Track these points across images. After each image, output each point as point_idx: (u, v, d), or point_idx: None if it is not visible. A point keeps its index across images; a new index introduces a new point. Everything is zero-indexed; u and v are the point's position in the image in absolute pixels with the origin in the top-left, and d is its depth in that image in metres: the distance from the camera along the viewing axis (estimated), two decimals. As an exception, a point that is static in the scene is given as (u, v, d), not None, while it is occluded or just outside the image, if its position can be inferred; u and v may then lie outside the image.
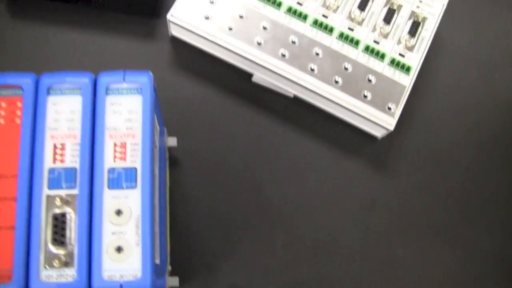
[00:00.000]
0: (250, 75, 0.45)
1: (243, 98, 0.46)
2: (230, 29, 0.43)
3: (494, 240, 0.45)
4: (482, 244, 0.45)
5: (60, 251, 0.28)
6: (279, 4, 0.44)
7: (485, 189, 0.46)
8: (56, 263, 0.28)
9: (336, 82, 0.43)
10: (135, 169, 0.29)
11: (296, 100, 0.46)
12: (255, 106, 0.46)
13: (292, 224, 0.44)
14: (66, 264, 0.28)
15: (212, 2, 0.44)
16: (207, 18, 0.43)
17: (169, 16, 0.43)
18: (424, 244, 0.45)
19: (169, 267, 0.40)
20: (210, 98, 0.46)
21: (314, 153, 0.45)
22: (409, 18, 0.45)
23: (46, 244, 0.28)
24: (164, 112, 0.38)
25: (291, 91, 0.45)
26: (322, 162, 0.45)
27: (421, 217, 0.45)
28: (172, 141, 0.43)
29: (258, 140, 0.45)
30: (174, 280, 0.40)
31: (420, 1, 0.46)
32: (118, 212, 0.29)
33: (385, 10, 0.45)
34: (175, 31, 0.45)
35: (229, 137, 0.45)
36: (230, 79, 0.46)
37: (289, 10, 0.44)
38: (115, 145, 0.30)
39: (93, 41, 0.46)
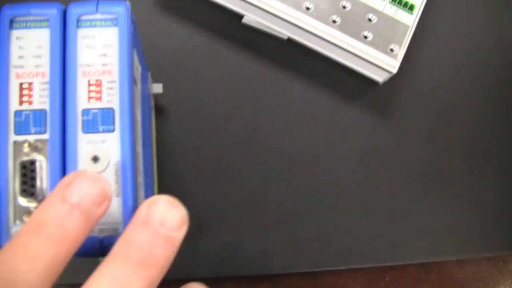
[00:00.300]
0: (240, 17, 0.42)
1: (233, 41, 0.43)
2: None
3: (503, 193, 0.43)
4: (488, 194, 0.43)
5: (31, 204, 0.25)
6: None
7: (493, 138, 0.44)
8: (26, 217, 0.25)
9: (334, 21, 0.40)
10: (113, 109, 0.26)
11: (290, 42, 0.42)
12: (246, 49, 0.43)
13: (288, 175, 0.41)
14: (38, 217, 0.25)
15: None
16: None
17: None
18: (428, 197, 0.42)
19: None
20: (198, 42, 0.42)
21: (310, 99, 0.42)
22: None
23: (14, 197, 0.25)
24: (148, 58, 0.35)
25: (285, 32, 0.42)
26: (319, 109, 0.42)
27: (425, 168, 0.43)
28: (157, 88, 0.39)
29: (250, 86, 0.42)
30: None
31: None
32: (95, 159, 0.26)
33: None
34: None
35: (219, 83, 0.42)
36: (219, 21, 0.43)
37: None
38: (89, 83, 0.26)
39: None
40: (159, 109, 0.41)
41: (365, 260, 0.41)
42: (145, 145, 0.32)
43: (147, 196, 0.31)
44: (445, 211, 0.42)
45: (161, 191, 0.39)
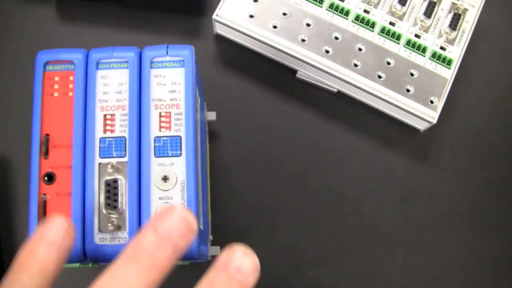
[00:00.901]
0: (294, 71, 0.46)
1: (287, 93, 0.47)
2: (275, 27, 0.44)
3: None
4: None
5: (113, 215, 0.30)
6: (321, 1, 0.45)
7: None
8: (109, 226, 0.29)
9: (380, 77, 0.44)
10: (180, 137, 0.31)
11: (340, 94, 0.46)
12: (300, 101, 0.47)
13: (336, 215, 0.45)
14: (119, 227, 0.30)
15: (256, 1, 0.44)
16: (251, 16, 0.44)
17: (214, 16, 0.44)
18: (463, 232, 0.45)
19: (210, 237, 0.42)
20: (255, 93, 0.46)
21: (357, 145, 0.46)
22: (450, 11, 0.46)
23: (100, 209, 0.30)
24: (209, 103, 0.38)
25: (335, 86, 0.46)
26: (365, 154, 0.46)
27: (460, 206, 0.46)
28: (211, 115, 0.44)
29: (302, 133, 0.46)
30: (216, 249, 0.41)
31: None
32: (165, 178, 0.30)
33: (426, 3, 0.45)
34: (220, 30, 0.46)
35: (273, 129, 0.46)
36: (274, 75, 0.47)
37: (331, 6, 0.45)
38: (160, 115, 0.31)
39: (139, 39, 0.47)
40: (213, 135, 0.46)
41: None
42: (202, 167, 0.37)
43: (204, 211, 0.36)
44: (480, 245, 0.45)
45: (214, 208, 0.43)
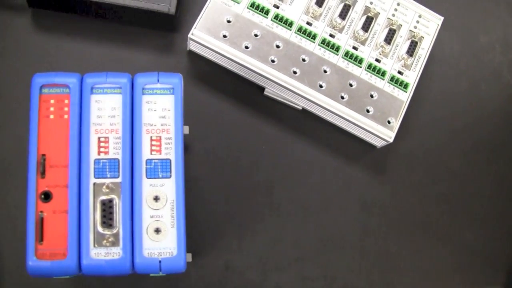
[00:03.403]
0: (262, 89, 0.49)
1: (255, 109, 0.49)
2: (247, 47, 0.46)
3: (478, 235, 0.50)
4: (468, 238, 0.50)
5: (108, 232, 0.32)
6: (291, 24, 0.48)
7: (470, 189, 0.51)
8: (104, 242, 0.32)
9: (342, 97, 0.47)
10: (170, 160, 0.34)
11: (304, 111, 0.49)
12: (267, 116, 0.49)
13: (300, 221, 0.48)
14: (113, 243, 0.32)
15: (229, 22, 0.47)
16: (225, 36, 0.46)
17: (190, 35, 0.46)
18: (416, 240, 0.49)
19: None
20: (225, 108, 0.49)
21: (319, 159, 0.49)
22: (408, 38, 0.49)
23: (95, 226, 0.32)
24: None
25: (300, 104, 0.49)
26: (326, 168, 0.49)
27: (413, 216, 0.50)
28: (185, 130, 0.46)
29: (268, 146, 0.49)
30: (188, 256, 0.44)
31: (417, 21, 0.50)
32: (156, 198, 0.33)
33: (386, 30, 0.49)
34: (193, 47, 0.48)
35: (241, 142, 0.48)
36: (243, 92, 0.49)
37: (300, 30, 0.48)
38: (151, 139, 0.34)
39: (111, 53, 0.48)
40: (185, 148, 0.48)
41: None
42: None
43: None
44: (429, 252, 0.49)
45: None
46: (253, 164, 0.48)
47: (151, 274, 0.34)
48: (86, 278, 0.42)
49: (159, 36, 0.49)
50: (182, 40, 0.49)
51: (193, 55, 0.49)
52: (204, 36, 0.46)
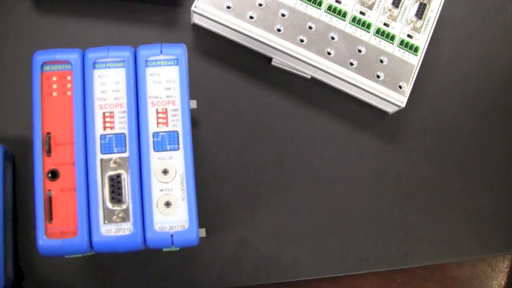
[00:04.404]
0: (269, 59, 0.48)
1: (263, 80, 0.48)
2: (251, 17, 0.45)
3: (495, 199, 0.49)
4: (484, 203, 0.49)
5: (117, 208, 0.31)
6: None
7: (485, 153, 0.50)
8: (114, 218, 0.31)
9: (351, 64, 0.46)
10: (177, 132, 0.33)
11: (313, 80, 0.48)
12: (275, 87, 0.48)
13: (314, 192, 0.47)
14: (123, 219, 0.31)
15: None
16: (228, 7, 0.45)
17: (193, 7, 0.45)
18: (431, 207, 0.48)
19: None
20: (232, 80, 0.48)
21: (330, 128, 0.48)
22: (416, 1, 0.48)
23: (104, 202, 0.31)
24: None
25: (309, 73, 0.48)
26: (338, 137, 0.48)
27: (428, 183, 0.49)
28: (192, 104, 0.45)
29: (278, 118, 0.48)
30: (201, 231, 0.44)
31: None
32: (165, 171, 0.32)
33: None
34: (197, 20, 0.47)
35: (250, 115, 0.48)
36: (250, 63, 0.48)
37: None
38: (157, 111, 0.33)
39: (116, 30, 0.47)
40: (193, 122, 0.47)
41: (380, 265, 0.47)
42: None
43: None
44: (445, 220, 0.49)
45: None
46: (263, 136, 0.47)
47: (164, 249, 0.34)
48: (100, 256, 0.42)
49: (162, 11, 0.48)
50: (186, 14, 0.48)
51: (198, 29, 0.48)
52: (207, 8, 0.45)
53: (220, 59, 0.48)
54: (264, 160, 0.47)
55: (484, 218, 0.49)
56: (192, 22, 0.48)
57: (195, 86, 0.46)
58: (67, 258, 0.34)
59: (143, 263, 0.43)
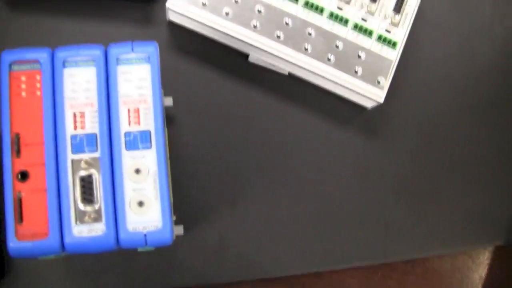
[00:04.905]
0: (246, 56, 0.48)
1: (240, 77, 0.48)
2: (227, 14, 0.45)
3: (474, 192, 0.50)
4: (464, 196, 0.50)
5: (89, 209, 0.31)
6: None
7: (464, 147, 0.50)
8: (86, 219, 0.31)
9: (329, 59, 0.46)
10: (149, 131, 0.32)
11: (291, 76, 0.48)
12: (252, 83, 0.48)
13: (293, 189, 0.47)
14: (95, 219, 0.31)
15: None
16: (204, 4, 0.45)
17: (168, 4, 0.44)
18: (412, 201, 0.49)
19: (173, 217, 0.43)
20: (209, 77, 0.48)
21: (309, 124, 0.48)
22: (394, -5, 0.48)
23: (76, 203, 0.31)
24: (164, 89, 0.40)
25: (286, 69, 0.47)
26: (317, 133, 0.48)
27: (408, 178, 0.49)
28: (168, 101, 0.45)
29: (255, 115, 0.48)
30: (179, 229, 0.43)
31: None
32: (137, 171, 0.32)
33: None
34: (173, 17, 0.47)
35: (228, 112, 0.47)
36: (227, 60, 0.48)
37: None
38: (129, 110, 0.33)
39: (90, 28, 0.47)
40: (169, 119, 0.47)
41: (361, 260, 0.48)
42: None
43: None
44: (426, 214, 0.49)
45: (175, 190, 0.45)
46: (241, 134, 0.47)
47: (139, 249, 0.34)
48: (81, 257, 0.42)
49: (136, 8, 0.48)
50: (161, 11, 0.48)
51: (173, 26, 0.48)
52: (182, 5, 0.45)
53: (196, 56, 0.48)
54: (243, 157, 0.47)
55: (464, 210, 0.49)
56: (167, 19, 0.48)
57: (171, 84, 0.46)
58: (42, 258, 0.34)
59: (122, 262, 0.43)
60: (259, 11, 0.46)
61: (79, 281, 0.43)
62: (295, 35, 0.46)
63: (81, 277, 0.43)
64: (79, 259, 0.42)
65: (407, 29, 0.48)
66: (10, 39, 0.45)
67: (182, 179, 0.45)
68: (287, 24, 0.46)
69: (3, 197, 0.31)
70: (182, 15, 0.45)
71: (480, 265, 0.51)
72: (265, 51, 0.45)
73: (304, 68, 0.46)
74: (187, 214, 0.45)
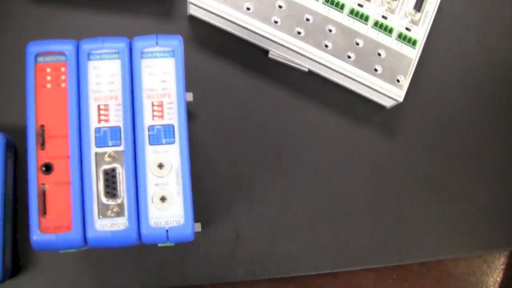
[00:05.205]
0: (266, 51, 0.47)
1: (260, 73, 0.48)
2: (248, 9, 0.45)
3: (493, 193, 0.49)
4: (481, 195, 0.49)
5: (112, 202, 0.31)
6: None
7: (482, 147, 0.50)
8: (109, 213, 0.31)
9: (349, 57, 0.46)
10: (173, 125, 0.32)
11: (311, 73, 0.48)
12: (272, 79, 0.48)
13: (310, 185, 0.47)
14: (118, 213, 0.31)
15: None
16: (225, -2, 0.45)
17: (189, -3, 0.44)
18: (428, 202, 0.48)
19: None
20: (228, 72, 0.47)
21: (327, 122, 0.48)
22: (414, -7, 0.48)
23: (99, 197, 0.31)
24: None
25: (306, 65, 0.47)
26: (335, 130, 0.48)
27: (425, 176, 0.48)
28: (188, 96, 0.45)
29: (275, 110, 0.48)
30: (197, 226, 0.43)
31: None
32: (160, 166, 0.32)
33: None
34: (193, 11, 0.47)
35: (247, 107, 0.47)
36: (247, 55, 0.48)
37: None
38: (152, 104, 0.32)
39: (111, 21, 0.47)
40: (189, 114, 0.47)
41: (376, 261, 0.47)
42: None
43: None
44: (442, 216, 0.48)
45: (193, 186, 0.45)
46: (260, 129, 0.47)
47: (159, 244, 0.34)
48: (95, 249, 0.42)
49: (158, 2, 0.48)
50: (182, 5, 0.48)
51: (194, 20, 0.48)
52: (204, -1, 0.45)
53: (216, 51, 0.48)
54: (260, 153, 0.47)
55: (481, 214, 0.49)
56: (188, 13, 0.47)
57: (191, 78, 0.45)
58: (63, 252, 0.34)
59: (138, 257, 0.43)
60: (280, 7, 0.45)
61: (95, 275, 0.43)
62: (316, 32, 0.45)
63: (97, 271, 0.43)
64: (95, 252, 0.42)
65: (427, 28, 0.47)
66: (32, 31, 0.45)
67: (199, 174, 0.45)
68: (307, 20, 0.46)
69: (27, 190, 0.31)
70: (203, 9, 0.45)
71: (495, 270, 0.51)
72: (285, 47, 0.45)
73: (324, 65, 0.45)
74: (203, 210, 0.45)
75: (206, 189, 0.45)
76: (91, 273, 0.42)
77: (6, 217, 0.39)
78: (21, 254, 0.41)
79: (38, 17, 0.46)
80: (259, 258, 0.45)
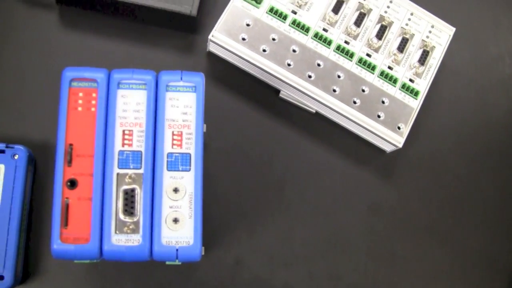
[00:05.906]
0: (278, 91, 0.50)
1: (270, 111, 0.51)
2: (264, 50, 0.48)
3: (481, 240, 0.52)
4: (471, 243, 0.51)
5: (129, 220, 0.34)
6: (307, 30, 0.49)
7: (476, 195, 0.53)
8: (125, 229, 0.33)
9: (355, 102, 0.49)
10: (190, 154, 0.35)
11: (318, 115, 0.51)
12: (281, 118, 0.51)
13: (309, 220, 0.49)
14: (133, 230, 0.34)
15: (248, 25, 0.48)
16: (244, 39, 0.48)
17: (210, 36, 0.48)
18: (421, 243, 0.51)
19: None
20: (241, 108, 0.50)
21: (330, 161, 0.51)
22: (420, 48, 0.51)
23: (117, 214, 0.34)
24: None
25: (314, 107, 0.50)
26: (337, 170, 0.51)
27: (419, 220, 0.51)
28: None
29: (281, 146, 0.50)
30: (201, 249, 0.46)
31: (430, 31, 0.52)
32: (175, 190, 0.35)
33: (399, 39, 0.51)
34: (213, 48, 0.50)
35: (255, 142, 0.50)
36: (259, 93, 0.51)
37: (316, 35, 0.49)
38: (173, 133, 0.35)
39: (134, 52, 0.50)
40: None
41: None
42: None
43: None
44: (434, 260, 0.51)
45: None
46: (266, 164, 0.50)
47: (167, 262, 0.36)
48: (103, 264, 0.44)
49: (180, 37, 0.51)
50: (203, 42, 0.51)
51: (213, 56, 0.51)
52: (223, 38, 0.48)
53: (231, 87, 0.51)
54: (265, 186, 0.49)
55: (472, 260, 0.51)
56: (208, 50, 0.51)
57: (205, 110, 0.48)
58: (73, 263, 0.36)
59: (142, 274, 0.45)
60: (294, 51, 0.49)
61: (97, 283, 0.45)
62: (325, 77, 0.49)
63: (101, 284, 0.45)
64: (101, 265, 0.45)
65: (429, 80, 0.51)
66: (63, 58, 0.49)
67: (205, 200, 0.48)
68: (319, 65, 0.49)
69: (52, 201, 0.34)
70: (222, 47, 0.48)
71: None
72: (296, 89, 0.48)
73: (331, 109, 0.49)
74: (207, 234, 0.47)
75: (211, 215, 0.48)
76: (95, 285, 0.45)
77: (22, 226, 0.42)
78: (31, 262, 0.44)
79: (67, 41, 0.49)
80: (256, 285, 0.47)
